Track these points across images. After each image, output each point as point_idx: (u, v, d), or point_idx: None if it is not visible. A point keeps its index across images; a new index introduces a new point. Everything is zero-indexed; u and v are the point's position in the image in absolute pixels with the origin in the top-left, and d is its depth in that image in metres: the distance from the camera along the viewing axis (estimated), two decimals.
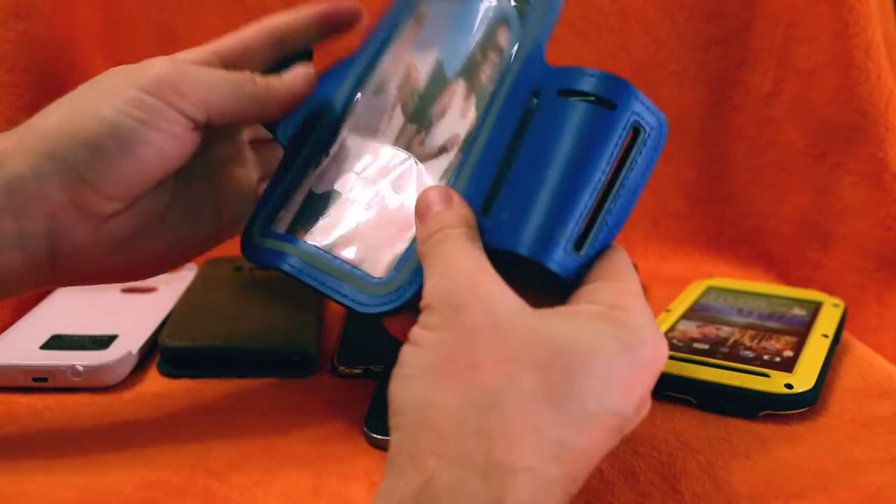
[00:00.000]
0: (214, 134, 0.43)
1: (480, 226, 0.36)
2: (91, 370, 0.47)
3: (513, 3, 0.43)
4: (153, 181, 0.39)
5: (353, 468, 0.40)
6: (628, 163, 0.36)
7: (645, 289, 0.53)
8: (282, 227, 0.43)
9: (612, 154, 0.35)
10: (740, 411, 0.45)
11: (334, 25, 0.45)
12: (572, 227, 0.35)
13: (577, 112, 0.36)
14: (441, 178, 0.41)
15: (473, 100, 0.42)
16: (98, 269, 0.40)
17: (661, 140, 0.37)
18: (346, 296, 0.40)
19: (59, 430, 0.43)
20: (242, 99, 0.41)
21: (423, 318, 0.33)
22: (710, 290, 0.59)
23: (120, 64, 0.40)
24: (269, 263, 0.43)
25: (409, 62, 0.44)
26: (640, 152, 0.36)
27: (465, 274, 0.33)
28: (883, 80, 0.61)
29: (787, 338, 0.51)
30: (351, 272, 0.41)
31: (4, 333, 0.51)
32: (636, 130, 0.36)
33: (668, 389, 0.46)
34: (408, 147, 0.43)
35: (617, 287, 0.34)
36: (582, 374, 0.30)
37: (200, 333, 0.51)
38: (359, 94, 0.46)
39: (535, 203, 0.35)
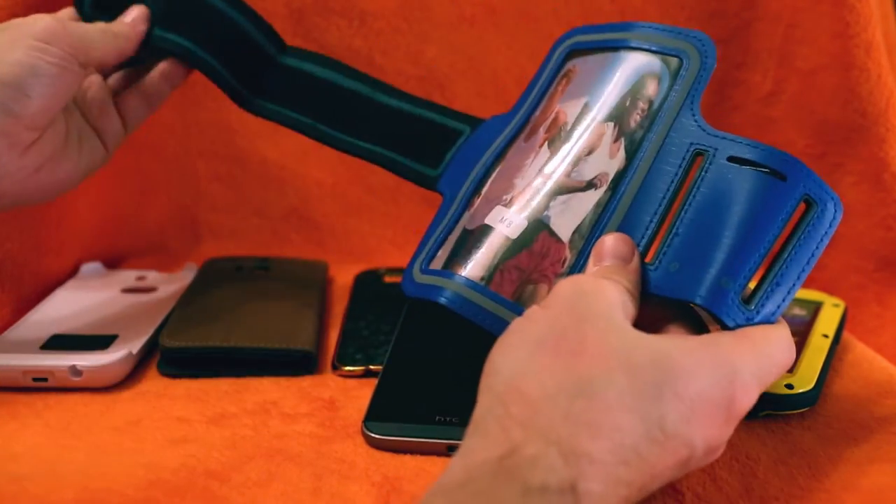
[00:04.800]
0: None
1: (644, 272, 0.39)
2: (91, 370, 0.47)
3: (659, 60, 0.44)
4: (59, 108, 0.46)
5: (353, 468, 0.40)
6: (800, 233, 0.38)
7: None
8: (438, 263, 0.45)
9: (782, 220, 0.38)
10: None
11: None
12: (741, 281, 0.37)
13: (752, 179, 0.39)
14: (592, 211, 0.42)
15: (623, 142, 0.43)
16: (25, 190, 0.46)
17: (836, 218, 0.39)
18: None
19: (59, 430, 0.43)
20: (106, 43, 0.48)
21: (546, 300, 0.36)
22: None
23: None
24: (425, 297, 0.44)
25: (558, 109, 0.46)
26: (812, 224, 0.38)
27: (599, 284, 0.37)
28: (883, 80, 0.60)
29: None
30: (509, 308, 0.41)
31: (4, 333, 0.51)
32: (808, 204, 0.39)
33: None
34: (552, 177, 0.43)
35: (741, 339, 0.35)
36: (670, 391, 0.32)
37: (200, 333, 0.51)
38: (512, 145, 0.47)
39: (709, 259, 0.37)
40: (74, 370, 0.46)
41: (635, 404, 0.31)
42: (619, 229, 0.41)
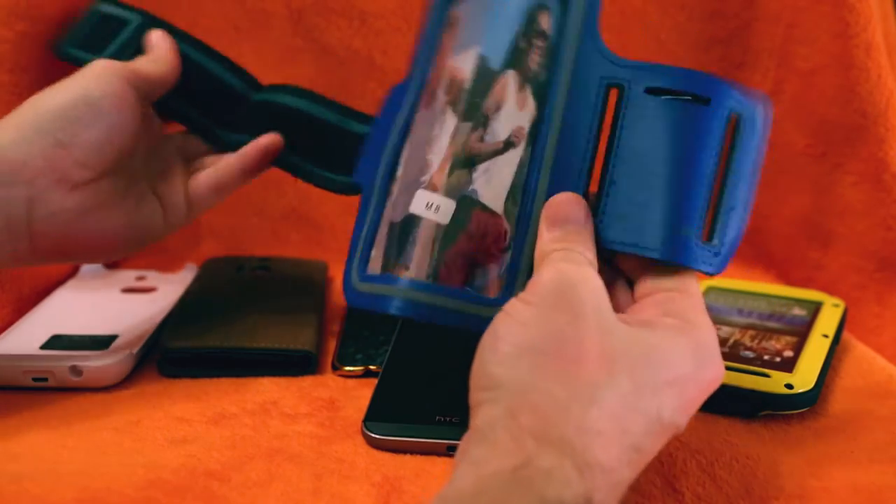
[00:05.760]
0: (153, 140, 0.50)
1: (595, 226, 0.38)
2: (91, 370, 0.47)
3: None
4: (116, 150, 0.45)
5: (353, 468, 0.40)
6: (736, 150, 0.37)
7: None
8: (376, 266, 0.42)
9: (718, 146, 0.37)
10: (740, 411, 0.45)
11: None
12: (697, 223, 0.37)
13: (677, 111, 0.37)
14: (517, 172, 0.40)
15: (529, 89, 0.40)
16: (68, 238, 0.44)
17: (767, 121, 0.38)
18: (477, 326, 0.36)
19: (59, 430, 0.43)
20: (152, 65, 0.49)
21: (527, 294, 0.35)
22: (710, 290, 0.59)
23: None
24: (373, 309, 0.41)
25: (451, 66, 0.43)
26: (746, 138, 0.38)
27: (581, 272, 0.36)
28: (883, 80, 0.60)
29: (787, 338, 0.51)
30: (466, 298, 0.39)
31: (4, 333, 0.51)
32: (736, 118, 0.38)
33: None
34: (465, 146, 0.41)
35: (689, 301, 0.36)
36: (664, 384, 0.33)
37: (200, 334, 0.51)
38: (415, 115, 0.44)
39: (656, 207, 0.37)
40: (74, 370, 0.46)
41: (638, 404, 0.32)
42: (550, 186, 0.39)
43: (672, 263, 0.37)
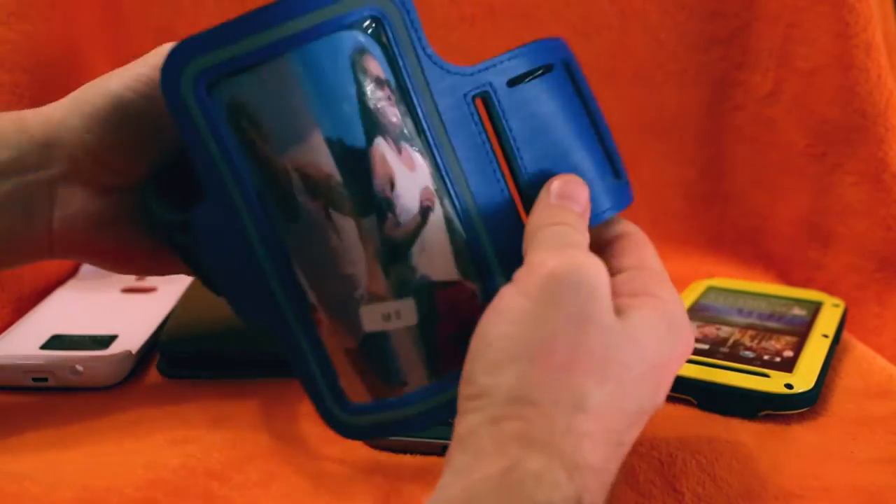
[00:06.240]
0: None
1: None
2: (91, 370, 0.47)
3: (347, 33, 0.36)
4: (147, 160, 0.42)
5: (353, 468, 0.40)
6: (584, 94, 0.40)
7: None
8: (361, 396, 0.38)
9: (577, 98, 0.39)
10: (740, 411, 0.45)
11: None
12: (608, 169, 0.39)
13: (539, 91, 0.39)
14: (448, 230, 0.37)
15: (407, 147, 0.37)
16: (87, 245, 0.43)
17: (569, 50, 0.41)
18: None
19: (59, 430, 0.43)
20: None
21: (525, 278, 0.33)
22: (710, 290, 0.59)
23: (119, 65, 0.41)
24: (388, 436, 0.41)
25: (290, 166, 0.36)
26: (582, 79, 0.40)
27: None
28: (883, 80, 0.61)
29: (787, 338, 0.51)
30: None
31: (4, 333, 0.51)
32: (568, 67, 0.40)
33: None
34: (384, 240, 0.36)
35: (650, 277, 0.36)
36: (648, 372, 0.32)
37: (200, 334, 0.51)
38: (278, 234, 0.37)
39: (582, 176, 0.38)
40: (74, 370, 0.46)
41: (624, 403, 0.32)
42: (485, 221, 0.37)
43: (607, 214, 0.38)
